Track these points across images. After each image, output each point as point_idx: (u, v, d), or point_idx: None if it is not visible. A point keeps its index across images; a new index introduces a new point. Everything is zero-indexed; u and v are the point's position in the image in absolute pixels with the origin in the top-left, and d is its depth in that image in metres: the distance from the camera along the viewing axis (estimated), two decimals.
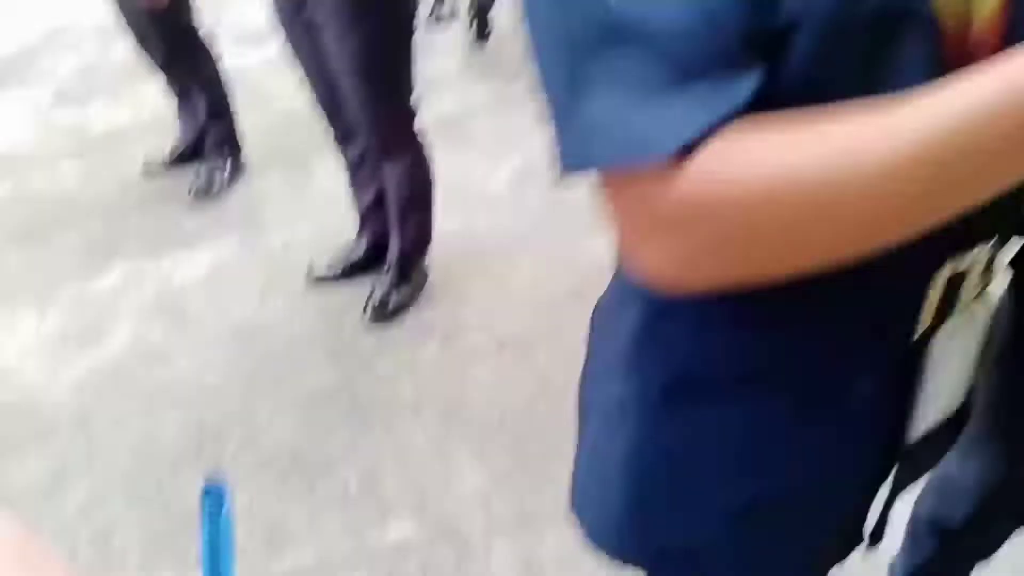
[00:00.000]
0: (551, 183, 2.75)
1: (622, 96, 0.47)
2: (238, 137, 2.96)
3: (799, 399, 0.66)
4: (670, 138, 0.46)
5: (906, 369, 0.66)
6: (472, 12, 3.67)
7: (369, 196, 2.37)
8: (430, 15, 3.88)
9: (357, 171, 2.35)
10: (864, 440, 0.70)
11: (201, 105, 2.89)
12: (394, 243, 2.33)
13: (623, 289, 0.71)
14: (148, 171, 3.01)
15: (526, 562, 1.67)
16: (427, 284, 2.39)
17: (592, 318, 0.80)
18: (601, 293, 0.79)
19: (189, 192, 2.85)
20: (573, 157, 0.51)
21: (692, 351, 0.67)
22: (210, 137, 2.93)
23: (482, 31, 3.68)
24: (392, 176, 2.22)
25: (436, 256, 2.42)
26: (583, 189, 2.80)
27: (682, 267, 0.50)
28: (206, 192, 2.86)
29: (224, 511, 0.30)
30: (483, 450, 1.91)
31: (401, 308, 2.30)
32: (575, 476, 0.82)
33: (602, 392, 0.75)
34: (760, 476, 0.70)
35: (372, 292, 2.32)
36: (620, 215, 0.51)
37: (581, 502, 0.80)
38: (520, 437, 1.93)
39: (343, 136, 2.28)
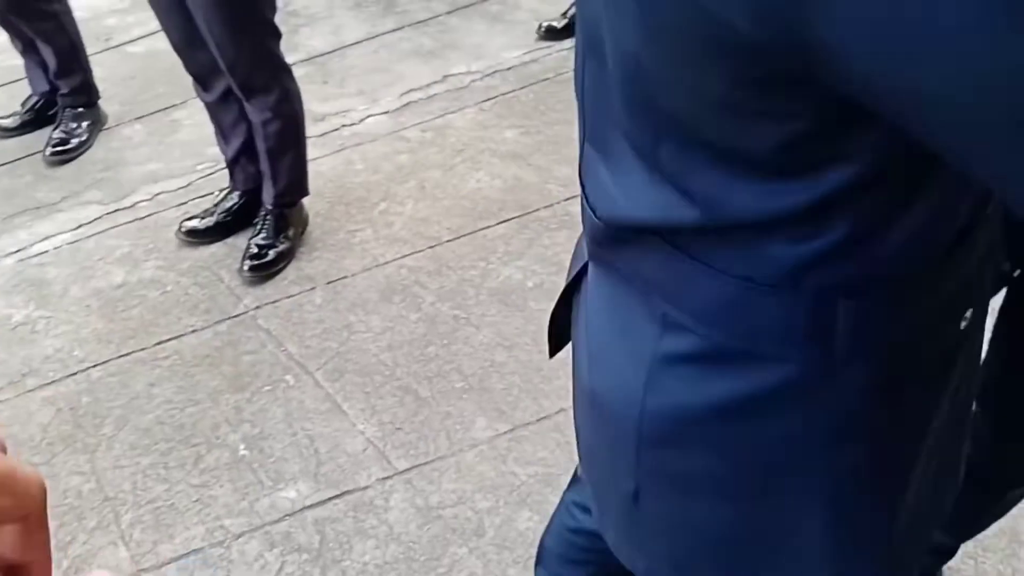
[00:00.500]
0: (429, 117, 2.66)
1: None
2: (94, 89, 2.77)
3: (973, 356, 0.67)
4: None
5: None
6: None
7: (237, 141, 2.24)
8: None
9: (220, 115, 2.22)
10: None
11: (50, 57, 2.68)
12: (267, 189, 2.22)
13: (810, 360, 0.60)
14: None
15: (423, 509, 1.65)
16: (306, 231, 2.29)
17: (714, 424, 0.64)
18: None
19: (45, 152, 2.66)
20: None
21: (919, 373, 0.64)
22: (63, 91, 2.72)
23: None
24: (258, 116, 2.11)
25: (314, 201, 2.33)
26: (463, 122, 2.73)
27: None
28: (63, 151, 2.67)
29: None
30: (373, 400, 1.86)
31: (281, 259, 2.21)
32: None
33: (800, 479, 0.65)
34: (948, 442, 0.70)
35: (249, 245, 2.21)
36: None
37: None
38: (410, 382, 1.89)
39: (202, 77, 2.15)
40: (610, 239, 0.64)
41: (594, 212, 0.64)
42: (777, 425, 0.62)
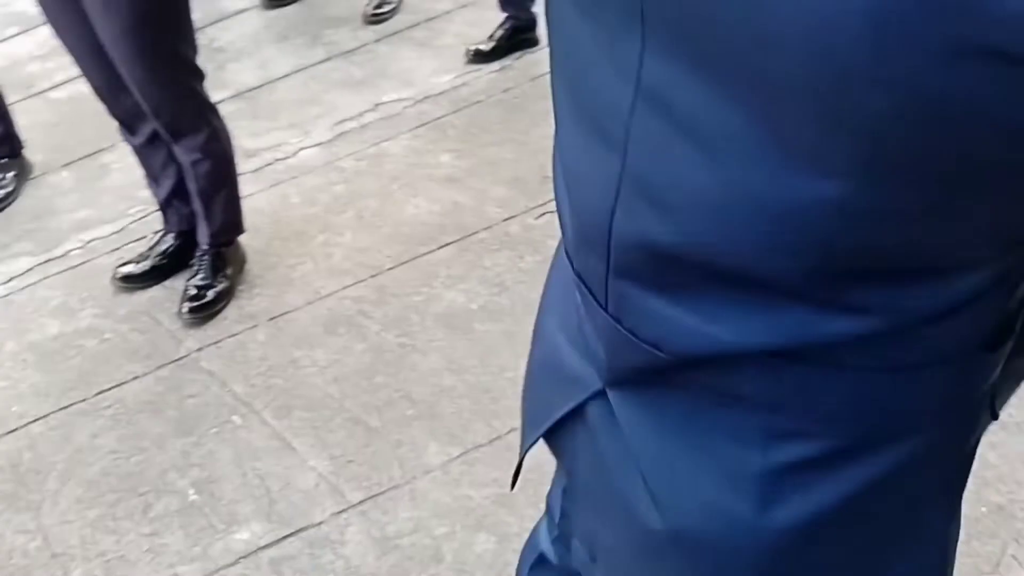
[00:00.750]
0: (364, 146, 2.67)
1: None
2: (16, 139, 2.71)
3: None
4: None
5: None
6: None
7: (168, 183, 2.22)
8: None
9: (149, 158, 2.20)
10: None
11: None
12: (202, 230, 2.20)
13: (954, 417, 0.59)
14: None
15: (380, 540, 1.64)
16: (245, 269, 2.27)
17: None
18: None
19: None
20: None
21: None
22: None
23: None
24: (187, 157, 2.09)
25: (252, 238, 2.31)
26: (397, 149, 2.73)
27: None
28: None
29: None
30: (323, 435, 1.84)
31: (220, 299, 2.18)
32: None
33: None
34: None
35: (187, 286, 2.18)
36: None
37: None
38: (360, 414, 1.88)
39: (128, 121, 2.13)
40: (679, 368, 0.57)
41: (657, 348, 0.56)
42: (909, 488, 0.59)
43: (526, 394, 0.76)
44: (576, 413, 0.66)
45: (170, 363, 2.05)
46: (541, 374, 0.73)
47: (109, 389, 2.01)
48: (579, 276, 0.61)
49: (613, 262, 0.56)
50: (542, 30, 2.92)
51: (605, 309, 0.59)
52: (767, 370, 0.53)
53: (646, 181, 0.50)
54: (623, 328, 0.58)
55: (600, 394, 0.63)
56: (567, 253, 0.62)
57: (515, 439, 1.84)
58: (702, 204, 0.48)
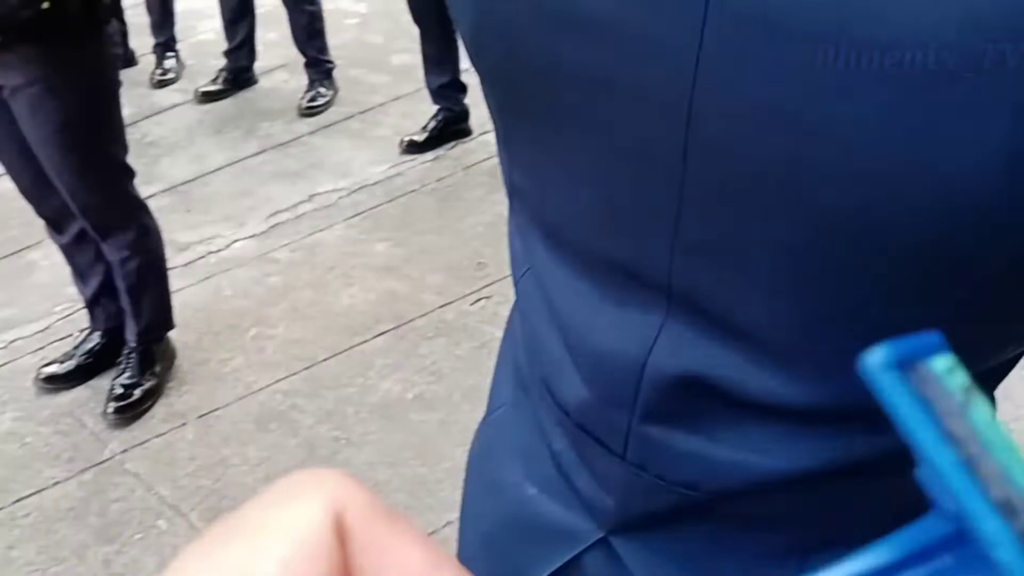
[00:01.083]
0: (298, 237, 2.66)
1: None
2: None
3: None
4: None
5: None
6: (228, 73, 3.46)
7: (96, 281, 2.17)
8: (153, 75, 3.64)
9: (77, 256, 2.16)
10: None
11: None
12: (130, 327, 2.15)
13: None
14: None
15: None
16: (175, 365, 2.22)
17: None
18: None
19: None
20: None
21: None
22: None
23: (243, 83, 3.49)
24: (116, 255, 2.05)
25: (182, 333, 2.26)
26: (332, 239, 2.72)
27: None
28: None
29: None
30: None
31: (147, 397, 2.12)
32: None
33: None
34: None
35: (113, 385, 2.12)
36: None
37: None
38: None
39: (55, 220, 2.09)
40: (710, 502, 0.54)
41: (692, 488, 0.53)
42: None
43: (477, 555, 0.69)
44: (568, 566, 0.61)
45: (93, 467, 1.98)
46: (506, 533, 0.66)
47: (28, 496, 1.92)
48: (582, 428, 0.57)
49: (643, 408, 0.53)
50: (474, 121, 2.97)
51: (623, 458, 0.55)
52: (806, 490, 0.51)
53: (701, 313, 0.47)
54: (647, 474, 0.54)
55: (600, 542, 0.60)
56: (561, 407, 0.58)
57: (451, 532, 1.80)
58: (774, 337, 0.46)
